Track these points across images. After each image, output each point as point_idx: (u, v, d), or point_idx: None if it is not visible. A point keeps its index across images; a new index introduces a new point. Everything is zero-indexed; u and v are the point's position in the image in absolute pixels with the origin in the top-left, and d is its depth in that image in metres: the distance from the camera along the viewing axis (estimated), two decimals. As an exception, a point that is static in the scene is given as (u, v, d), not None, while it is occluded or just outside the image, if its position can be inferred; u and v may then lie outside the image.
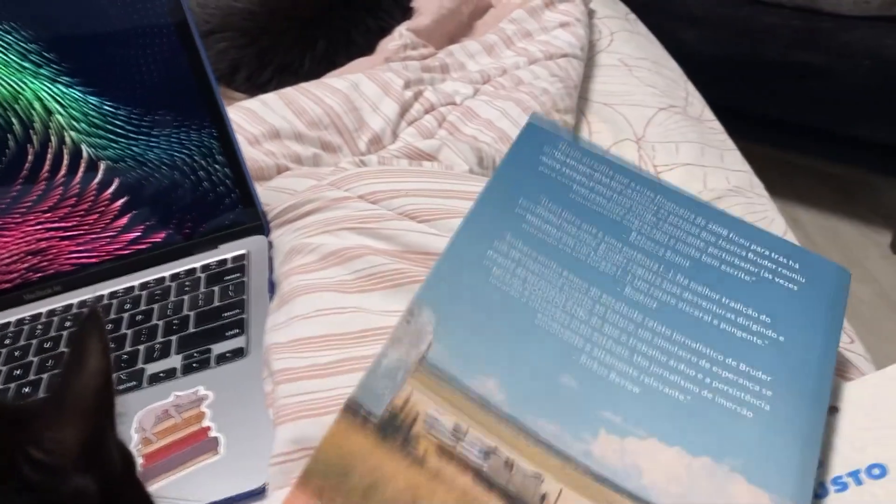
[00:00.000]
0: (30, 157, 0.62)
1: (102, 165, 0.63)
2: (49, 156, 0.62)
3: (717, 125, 0.96)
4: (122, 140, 0.62)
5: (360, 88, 0.86)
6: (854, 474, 0.41)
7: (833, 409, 0.46)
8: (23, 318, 0.65)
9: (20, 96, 0.60)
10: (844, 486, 0.41)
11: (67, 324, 0.63)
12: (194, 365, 0.56)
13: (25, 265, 0.66)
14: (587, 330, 0.45)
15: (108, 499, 0.29)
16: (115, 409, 0.30)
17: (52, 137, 0.61)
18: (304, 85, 0.87)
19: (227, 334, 0.58)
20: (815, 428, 0.42)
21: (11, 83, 0.59)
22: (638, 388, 0.43)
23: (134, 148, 0.63)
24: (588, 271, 0.48)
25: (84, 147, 0.62)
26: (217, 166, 0.65)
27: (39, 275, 0.67)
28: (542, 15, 1.01)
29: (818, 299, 0.48)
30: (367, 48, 0.98)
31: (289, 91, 0.85)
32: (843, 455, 0.43)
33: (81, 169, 0.63)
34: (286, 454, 0.46)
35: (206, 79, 0.61)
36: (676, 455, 0.41)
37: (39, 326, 0.64)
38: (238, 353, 0.56)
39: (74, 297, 0.66)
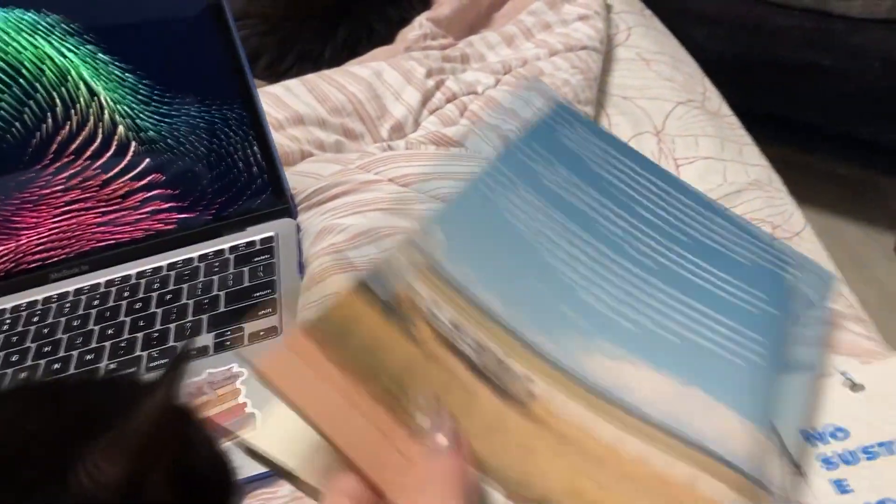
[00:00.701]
0: (65, 135, 0.62)
1: (135, 145, 0.63)
2: (85, 134, 0.62)
3: (734, 120, 0.96)
4: (156, 119, 0.62)
5: (382, 76, 0.86)
6: (887, 444, 0.43)
7: (858, 387, 0.47)
8: (50, 297, 0.65)
9: (68, 77, 0.60)
10: (874, 455, 0.43)
11: (95, 303, 0.64)
12: (227, 343, 0.56)
13: (54, 244, 0.66)
14: (589, 273, 0.46)
15: None
16: (183, 446, 0.29)
17: (91, 117, 0.62)
18: (326, 72, 0.87)
19: (259, 313, 0.58)
20: (802, 387, 0.45)
21: (57, 63, 0.59)
22: (636, 327, 0.44)
23: (167, 128, 0.63)
24: (595, 229, 0.49)
25: (120, 126, 0.62)
26: (247, 149, 0.65)
27: (67, 254, 0.67)
28: (561, 8, 1.02)
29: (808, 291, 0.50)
30: (388, 37, 0.98)
31: (312, 77, 0.85)
32: (872, 427, 0.44)
33: (115, 148, 0.63)
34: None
35: (238, 61, 0.62)
36: (668, 382, 0.42)
37: (67, 305, 0.64)
38: (272, 332, 0.56)
39: (102, 277, 0.66)
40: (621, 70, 1.00)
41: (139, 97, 0.62)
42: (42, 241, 0.66)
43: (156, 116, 0.63)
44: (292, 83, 0.84)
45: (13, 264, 0.66)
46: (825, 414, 0.47)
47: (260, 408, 0.51)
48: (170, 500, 0.30)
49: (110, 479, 0.26)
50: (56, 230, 0.66)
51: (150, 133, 0.63)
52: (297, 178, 0.72)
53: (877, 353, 0.54)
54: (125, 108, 0.62)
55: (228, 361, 0.55)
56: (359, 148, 0.81)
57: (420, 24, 0.97)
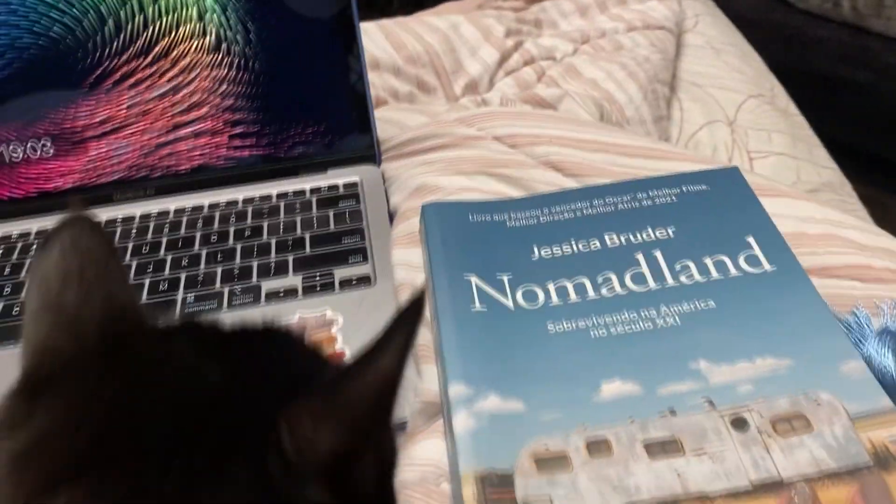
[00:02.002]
0: (159, 46, 0.58)
1: (225, 69, 0.59)
2: (179, 48, 0.58)
3: (802, 120, 0.95)
4: (253, 40, 0.58)
5: (459, 30, 0.82)
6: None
7: None
8: (114, 218, 0.61)
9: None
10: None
11: (165, 230, 0.59)
12: (317, 287, 0.53)
13: (122, 163, 0.61)
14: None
15: None
16: (391, 422, 0.24)
17: (181, 30, 0.57)
18: (402, 19, 0.83)
19: (349, 260, 0.55)
20: None
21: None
22: None
23: (262, 52, 0.59)
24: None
25: (212, 44, 0.58)
26: (341, 86, 0.61)
27: (133, 175, 0.62)
28: (636, -15, 0.98)
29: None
30: (458, -7, 0.94)
31: (388, 23, 0.81)
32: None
33: (202, 69, 0.59)
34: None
35: None
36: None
37: (133, 229, 0.60)
38: (364, 281, 0.53)
39: (170, 204, 0.61)
40: (691, 56, 0.98)
41: (239, 15, 0.57)
42: (111, 158, 0.61)
43: (255, 37, 0.58)
44: (369, 26, 0.80)
45: (80, 180, 0.61)
46: None
47: (361, 358, 0.47)
48: (372, 492, 0.26)
49: (321, 452, 0.22)
50: (127, 149, 0.61)
51: (248, 57, 0.59)
52: (377, 125, 0.68)
53: None
54: (222, 18, 0.57)
55: (319, 306, 0.51)
56: (430, 101, 0.77)
57: (493, -17, 0.94)
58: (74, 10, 0.57)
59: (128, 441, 0.22)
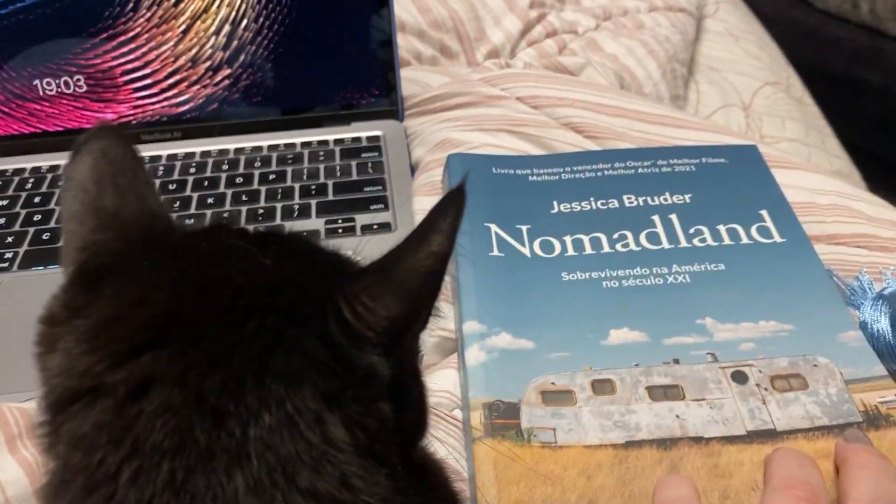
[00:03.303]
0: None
1: (258, 13, 0.60)
2: None
3: (816, 111, 0.96)
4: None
5: (484, -2, 0.83)
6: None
7: None
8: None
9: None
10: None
11: (192, 170, 0.61)
12: (339, 231, 0.54)
13: (149, 105, 0.63)
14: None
15: (395, 388, 0.25)
16: (438, 295, 0.26)
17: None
18: (429, -16, 0.84)
19: (371, 207, 0.56)
20: None
21: None
22: None
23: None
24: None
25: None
26: (369, 39, 0.62)
27: (160, 117, 0.64)
28: (661, -33, 0.99)
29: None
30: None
31: (416, -13, 0.82)
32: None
33: (231, 14, 0.60)
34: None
35: None
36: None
37: (161, 168, 0.61)
38: (385, 227, 0.55)
39: (196, 147, 0.63)
40: (709, 41, 0.99)
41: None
42: (139, 100, 0.63)
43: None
44: (397, -12, 0.81)
45: (111, 116, 0.63)
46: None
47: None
48: (414, 367, 0.28)
49: (379, 320, 0.24)
50: (155, 92, 0.63)
51: (273, 4, 0.60)
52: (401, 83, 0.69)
53: None
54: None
55: (340, 248, 0.53)
56: (453, 66, 0.79)
57: (520, -44, 0.95)
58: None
59: (202, 313, 0.24)
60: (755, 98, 0.90)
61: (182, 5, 0.60)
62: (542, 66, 0.72)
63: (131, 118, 0.63)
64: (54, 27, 0.60)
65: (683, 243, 0.47)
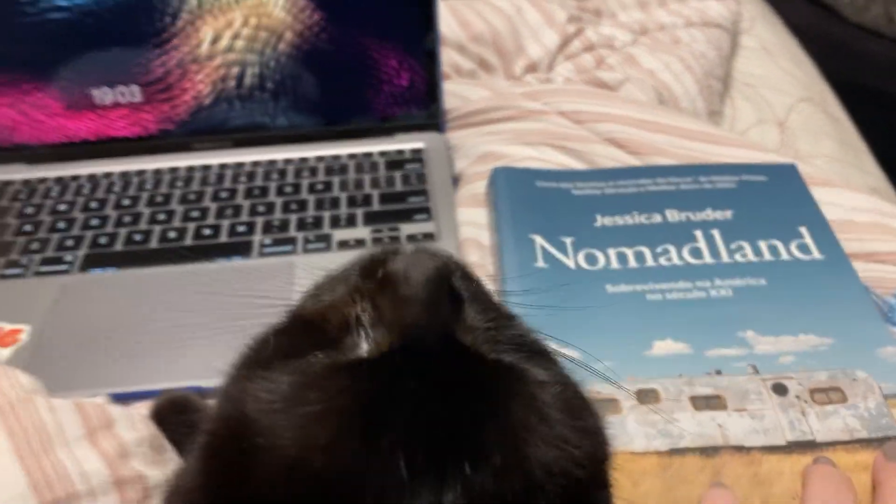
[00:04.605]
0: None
1: (302, 28, 0.62)
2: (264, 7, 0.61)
3: (851, 127, 0.96)
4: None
5: (522, 13, 0.85)
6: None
7: None
8: (193, 166, 0.64)
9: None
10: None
11: (243, 179, 0.63)
12: (384, 240, 0.56)
13: (202, 114, 0.65)
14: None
15: None
16: None
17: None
18: (470, -1, 0.86)
19: (414, 217, 0.58)
20: None
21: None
22: None
23: (340, 13, 0.62)
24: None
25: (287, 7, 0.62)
26: (414, 52, 0.64)
27: (213, 126, 0.66)
28: (697, -17, 1.00)
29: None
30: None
31: (456, 2, 0.84)
32: None
33: (278, 29, 0.62)
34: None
35: None
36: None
37: (213, 176, 0.63)
38: (429, 237, 0.56)
39: (246, 156, 0.65)
40: (744, 56, 1.00)
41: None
42: (191, 110, 0.65)
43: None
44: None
45: (163, 126, 0.65)
46: None
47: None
48: None
49: None
50: (207, 103, 0.65)
51: (320, 17, 0.62)
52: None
53: None
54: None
55: (386, 257, 0.55)
56: (491, 80, 0.80)
57: (557, -29, 0.96)
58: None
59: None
60: (790, 114, 0.91)
61: (230, 16, 0.62)
62: (580, 80, 0.73)
63: (184, 127, 0.66)
64: (111, 36, 0.62)
65: (725, 258, 0.48)
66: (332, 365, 0.23)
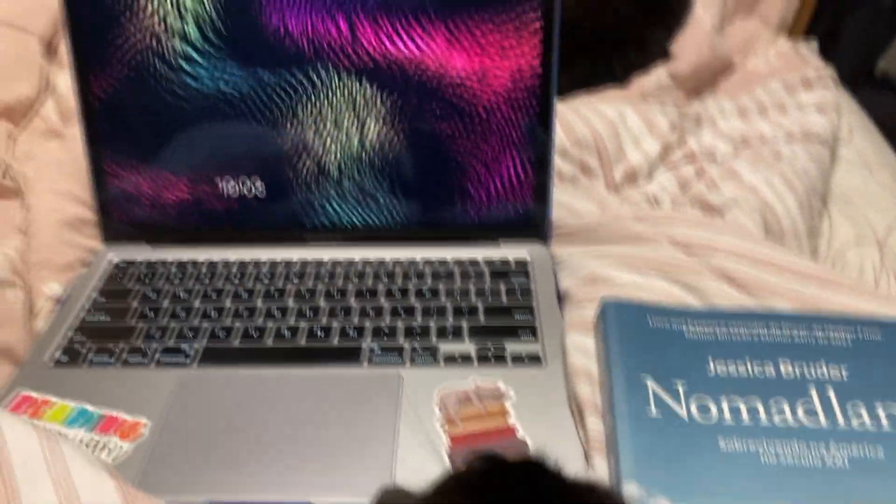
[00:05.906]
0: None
1: (411, 134, 0.65)
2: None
3: (953, 250, 0.94)
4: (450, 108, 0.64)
5: (625, 119, 0.86)
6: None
7: None
8: (307, 260, 0.67)
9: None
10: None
11: (354, 279, 0.65)
12: (490, 358, 0.57)
13: (317, 210, 0.68)
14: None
15: None
16: None
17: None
18: (573, 102, 0.88)
19: (520, 335, 0.59)
20: None
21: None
22: None
23: (454, 119, 0.64)
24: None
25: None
26: (527, 158, 0.66)
27: (325, 221, 0.68)
28: (798, 94, 1.01)
29: None
30: (623, 80, 0.98)
31: (559, 105, 0.86)
32: None
33: (396, 130, 0.65)
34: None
35: (549, 67, 0.62)
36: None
37: (327, 273, 0.66)
38: (534, 360, 0.57)
39: (355, 253, 0.67)
40: (844, 170, 0.99)
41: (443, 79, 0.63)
42: (306, 204, 0.68)
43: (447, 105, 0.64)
44: (544, 106, 0.85)
45: (282, 219, 0.68)
46: None
47: (531, 437, 0.51)
48: None
49: None
50: (322, 196, 0.68)
51: (434, 122, 0.65)
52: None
53: None
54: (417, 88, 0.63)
55: (492, 376, 0.56)
56: (591, 186, 0.82)
57: (658, 75, 0.98)
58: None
59: None
60: (890, 235, 0.90)
61: (345, 120, 0.65)
62: (681, 193, 0.74)
63: (300, 224, 0.68)
64: (239, 131, 0.66)
65: (841, 422, 0.48)
66: None
